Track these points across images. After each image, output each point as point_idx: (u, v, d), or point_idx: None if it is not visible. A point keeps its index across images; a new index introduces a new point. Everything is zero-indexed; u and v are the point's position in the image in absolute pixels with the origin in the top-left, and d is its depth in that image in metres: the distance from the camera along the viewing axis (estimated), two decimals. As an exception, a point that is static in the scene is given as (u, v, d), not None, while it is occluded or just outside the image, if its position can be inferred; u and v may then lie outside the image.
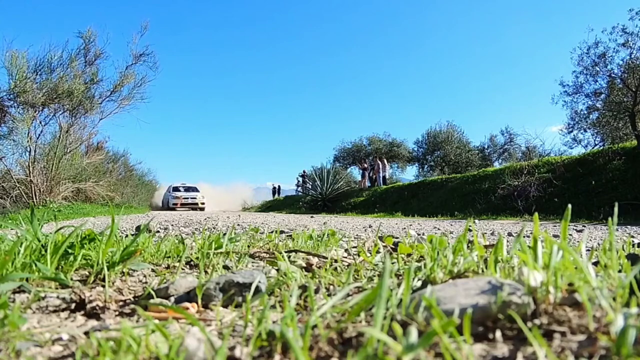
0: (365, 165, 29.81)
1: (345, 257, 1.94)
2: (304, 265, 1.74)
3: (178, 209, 30.04)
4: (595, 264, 1.20)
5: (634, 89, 17.71)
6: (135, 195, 28.99)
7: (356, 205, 23.88)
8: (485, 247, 1.69)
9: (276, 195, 40.69)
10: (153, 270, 1.61)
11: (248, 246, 2.33)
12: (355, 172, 37.19)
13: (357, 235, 5.02)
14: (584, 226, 8.01)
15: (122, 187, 25.44)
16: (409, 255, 2.06)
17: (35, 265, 1.29)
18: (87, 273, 1.43)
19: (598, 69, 20.06)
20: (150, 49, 19.21)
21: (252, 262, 1.92)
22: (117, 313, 1.05)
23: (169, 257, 1.87)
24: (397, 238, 3.78)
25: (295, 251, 1.98)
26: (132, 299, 1.17)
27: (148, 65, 19.07)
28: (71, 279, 1.33)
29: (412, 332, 0.61)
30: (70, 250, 1.44)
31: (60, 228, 1.61)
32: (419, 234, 5.08)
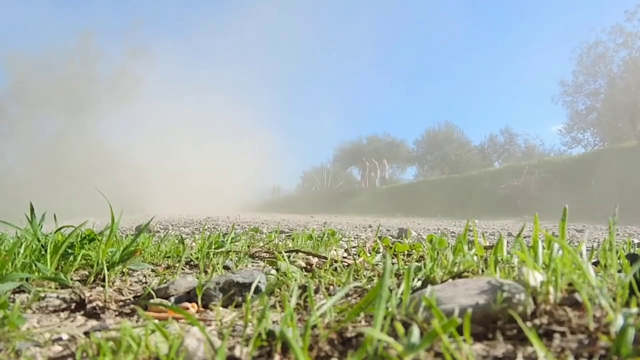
0: (365, 165, 29.79)
1: (345, 257, 1.94)
2: (304, 265, 1.74)
3: None
4: (596, 263, 1.20)
5: (633, 89, 17.71)
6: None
7: (356, 205, 23.89)
8: (485, 247, 1.69)
9: (276, 195, 40.68)
10: (153, 270, 1.61)
11: (248, 246, 2.33)
12: (355, 172, 37.22)
13: (357, 235, 5.03)
14: (584, 226, 8.01)
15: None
16: (409, 255, 2.06)
17: (35, 265, 1.29)
18: (87, 273, 1.43)
19: (598, 68, 20.08)
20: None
21: (252, 262, 1.92)
22: (117, 313, 1.05)
23: (169, 257, 1.87)
24: (396, 238, 3.79)
25: (295, 251, 1.98)
26: (132, 299, 1.17)
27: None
28: (71, 279, 1.33)
29: (413, 332, 0.61)
30: (70, 250, 1.44)
31: (60, 228, 1.61)
32: (418, 234, 5.08)
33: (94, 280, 1.36)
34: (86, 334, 0.88)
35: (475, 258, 1.17)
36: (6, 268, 1.18)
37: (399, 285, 0.96)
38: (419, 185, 23.92)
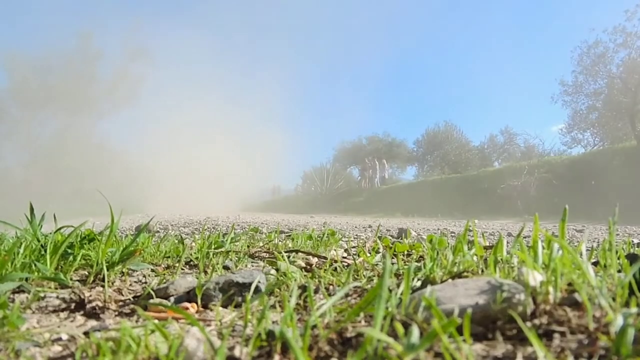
0: (365, 165, 29.75)
1: (345, 257, 1.94)
2: (303, 265, 1.74)
3: None
4: (595, 263, 1.20)
5: (633, 89, 17.69)
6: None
7: (356, 205, 23.89)
8: (485, 247, 1.69)
9: (276, 195, 40.65)
10: (152, 270, 1.61)
11: (248, 246, 2.33)
12: (355, 172, 37.20)
13: (356, 235, 5.03)
14: (584, 226, 8.01)
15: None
16: (408, 255, 2.06)
17: (35, 265, 1.29)
18: (87, 273, 1.43)
19: (598, 68, 20.08)
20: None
21: (252, 262, 1.92)
22: (116, 313, 1.05)
23: (169, 257, 1.87)
24: (396, 238, 3.78)
25: (295, 251, 1.98)
26: (132, 299, 1.17)
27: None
28: (71, 279, 1.33)
29: (413, 332, 0.61)
30: (69, 250, 1.44)
31: (60, 228, 1.61)
32: (418, 234, 5.08)
33: (94, 280, 1.36)
34: (86, 334, 0.88)
35: (475, 258, 1.17)
36: (6, 268, 1.18)
37: (398, 285, 0.96)
38: (419, 185, 23.94)
